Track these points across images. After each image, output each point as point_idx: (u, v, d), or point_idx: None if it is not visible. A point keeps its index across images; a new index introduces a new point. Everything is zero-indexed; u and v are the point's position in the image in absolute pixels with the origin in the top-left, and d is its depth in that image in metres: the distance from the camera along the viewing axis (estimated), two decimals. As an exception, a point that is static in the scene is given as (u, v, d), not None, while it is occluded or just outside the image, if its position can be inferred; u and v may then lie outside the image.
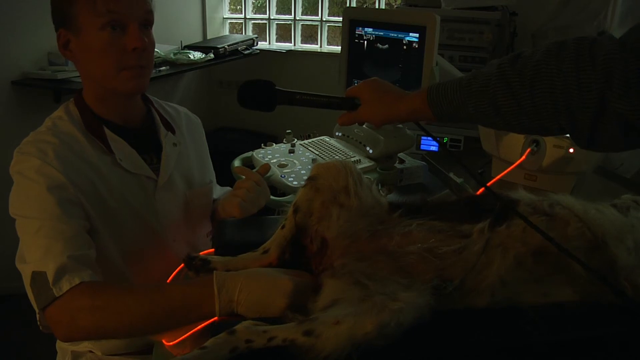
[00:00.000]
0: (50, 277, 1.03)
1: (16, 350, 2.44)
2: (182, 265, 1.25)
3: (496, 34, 2.58)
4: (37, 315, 1.12)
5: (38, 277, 1.04)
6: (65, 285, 1.02)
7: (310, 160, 1.89)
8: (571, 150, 1.45)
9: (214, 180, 1.59)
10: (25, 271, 1.08)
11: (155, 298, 1.00)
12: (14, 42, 2.84)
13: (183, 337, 1.03)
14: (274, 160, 1.89)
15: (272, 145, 2.04)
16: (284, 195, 1.80)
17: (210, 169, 1.58)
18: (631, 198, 1.04)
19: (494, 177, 1.48)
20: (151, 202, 1.32)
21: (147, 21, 1.25)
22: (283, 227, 1.06)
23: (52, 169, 1.15)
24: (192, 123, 1.55)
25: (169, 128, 1.41)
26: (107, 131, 1.27)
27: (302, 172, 1.80)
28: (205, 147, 1.58)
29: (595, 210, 0.95)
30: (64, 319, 1.03)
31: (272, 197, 1.75)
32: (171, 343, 1.08)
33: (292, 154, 1.95)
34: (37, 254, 1.07)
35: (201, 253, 1.25)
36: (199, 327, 0.97)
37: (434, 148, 2.65)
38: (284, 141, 2.06)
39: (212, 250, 1.21)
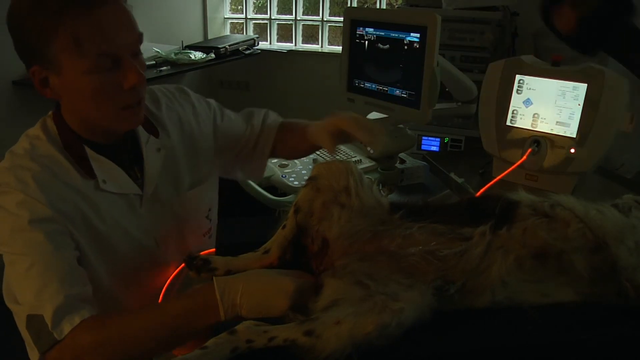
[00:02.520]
0: (48, 321, 0.96)
1: (16, 351, 2.43)
2: (181, 266, 1.26)
3: (497, 34, 2.58)
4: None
5: (35, 321, 0.97)
6: (66, 328, 0.96)
7: (311, 160, 1.89)
8: (572, 150, 1.45)
9: (215, 166, 1.45)
10: (19, 314, 1.00)
11: (158, 320, 0.97)
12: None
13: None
14: (275, 160, 1.89)
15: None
16: (284, 195, 1.80)
17: (206, 155, 1.40)
18: (632, 198, 1.04)
19: (494, 177, 1.47)
20: (140, 218, 1.23)
21: (138, 49, 1.11)
22: (284, 227, 1.06)
23: (35, 201, 1.04)
24: (174, 108, 1.36)
25: (152, 131, 1.26)
26: (89, 151, 1.14)
27: (302, 172, 1.81)
28: (197, 127, 1.38)
29: (596, 211, 0.95)
30: (67, 358, 0.97)
31: (272, 197, 1.76)
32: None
33: (293, 154, 1.95)
34: (30, 295, 0.99)
35: (202, 253, 1.26)
36: None
37: (434, 148, 2.65)
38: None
39: (213, 250, 1.21)
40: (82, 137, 1.14)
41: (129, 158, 1.22)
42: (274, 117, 1.53)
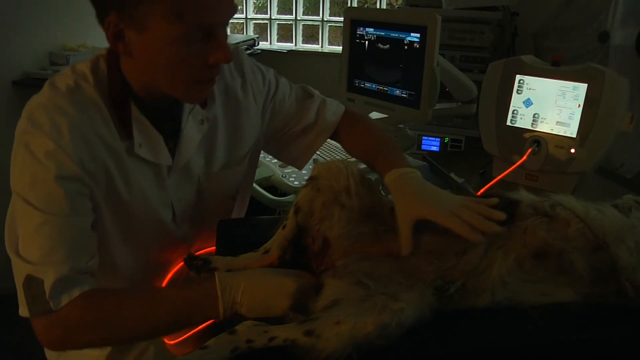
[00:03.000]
0: (47, 289, 0.93)
1: (16, 351, 2.44)
2: (181, 264, 1.26)
3: (497, 34, 2.58)
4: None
5: (33, 284, 0.94)
6: (64, 300, 0.93)
7: (311, 160, 1.89)
8: (572, 150, 1.45)
9: (258, 146, 1.35)
10: (20, 269, 0.97)
11: (157, 307, 0.96)
12: (15, 41, 2.83)
13: (185, 336, 1.03)
14: (275, 160, 1.89)
15: (273, 145, 2.03)
16: (285, 195, 1.80)
17: (249, 134, 1.29)
18: (633, 198, 1.04)
19: (495, 177, 1.47)
20: (163, 189, 1.16)
21: (228, 23, 1.04)
22: (284, 227, 1.06)
23: (65, 156, 0.97)
24: (223, 75, 1.23)
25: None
26: (134, 109, 1.06)
27: (303, 172, 1.80)
28: (244, 102, 1.26)
29: (596, 211, 0.95)
30: (57, 333, 0.95)
31: (273, 197, 1.76)
32: (173, 342, 1.08)
33: (293, 154, 1.94)
34: (35, 254, 0.95)
35: (202, 252, 1.26)
36: (201, 326, 0.96)
37: (434, 148, 2.65)
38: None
39: (214, 248, 1.21)
40: (132, 91, 1.07)
41: (170, 126, 1.14)
42: (333, 109, 1.39)
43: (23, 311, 0.96)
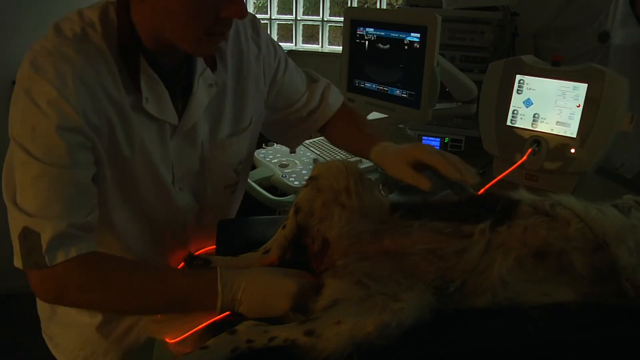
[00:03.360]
0: (44, 243, 0.91)
1: (16, 351, 2.44)
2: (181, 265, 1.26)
3: (497, 34, 2.58)
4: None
5: (30, 236, 0.92)
6: (59, 257, 0.92)
7: (312, 160, 1.89)
8: (572, 150, 1.45)
9: (260, 116, 1.32)
10: (16, 219, 0.94)
11: (157, 285, 0.96)
12: (14, 41, 2.83)
13: (185, 335, 1.03)
14: (275, 160, 1.89)
15: (274, 145, 2.04)
16: (285, 195, 1.80)
17: (255, 106, 1.28)
18: (633, 198, 1.04)
19: (495, 177, 1.47)
20: (166, 149, 1.13)
21: None
22: (284, 227, 1.06)
23: (68, 106, 0.94)
24: (240, 42, 1.23)
25: (210, 63, 1.15)
26: (143, 63, 1.04)
27: (303, 172, 1.81)
28: (255, 74, 1.26)
29: (596, 211, 0.95)
30: (52, 288, 0.95)
31: (272, 197, 1.76)
32: (173, 341, 1.08)
33: (293, 154, 1.95)
34: (33, 205, 0.93)
35: (202, 251, 1.26)
36: (202, 325, 0.96)
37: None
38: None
39: (214, 247, 1.21)
40: (142, 43, 1.03)
41: (177, 82, 1.12)
42: (335, 96, 1.42)
43: (17, 262, 0.95)
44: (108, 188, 1.07)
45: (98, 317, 1.25)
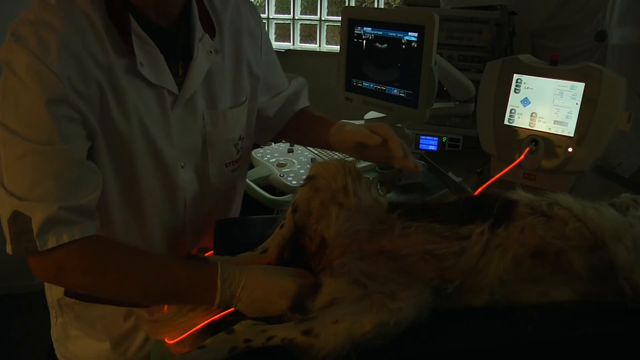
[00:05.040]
0: (35, 227, 0.88)
1: (15, 351, 2.44)
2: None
3: (495, 34, 2.58)
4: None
5: (20, 220, 0.89)
6: (50, 241, 0.89)
7: (309, 160, 1.89)
8: (570, 149, 1.45)
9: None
10: (5, 203, 0.90)
11: (157, 275, 0.96)
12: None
13: (184, 335, 1.03)
14: (273, 160, 1.89)
15: (271, 144, 2.04)
16: (283, 194, 1.80)
17: (249, 80, 1.26)
18: (630, 197, 1.04)
19: (492, 177, 1.47)
20: (166, 121, 1.08)
21: None
22: (282, 226, 1.06)
23: (52, 75, 0.89)
24: (241, 17, 1.22)
25: (209, 29, 1.12)
26: (133, 23, 0.98)
27: (301, 171, 1.81)
28: (250, 46, 1.24)
29: (593, 210, 0.95)
30: (51, 270, 0.93)
31: (270, 196, 1.76)
32: (172, 341, 1.08)
33: (291, 154, 1.95)
34: (21, 186, 0.89)
35: (195, 251, 1.26)
36: (201, 325, 0.96)
37: (432, 147, 2.65)
38: (283, 141, 2.06)
39: (211, 252, 1.21)
40: (131, 3, 0.99)
41: (174, 49, 1.07)
42: (303, 100, 1.44)
43: (8, 248, 0.92)
44: (103, 167, 1.02)
45: (107, 343, 1.25)
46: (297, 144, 1.41)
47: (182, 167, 1.16)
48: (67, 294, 1.19)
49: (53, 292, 1.23)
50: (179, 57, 1.08)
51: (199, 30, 1.10)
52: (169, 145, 1.11)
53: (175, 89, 1.08)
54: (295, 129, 1.41)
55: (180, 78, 1.09)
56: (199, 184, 1.22)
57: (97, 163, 1.00)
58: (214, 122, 1.18)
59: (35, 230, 0.88)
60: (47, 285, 1.24)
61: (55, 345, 1.32)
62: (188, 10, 1.09)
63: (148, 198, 1.13)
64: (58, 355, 1.32)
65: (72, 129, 0.93)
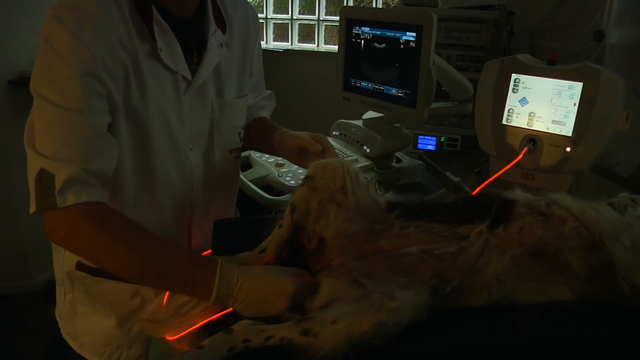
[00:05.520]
0: (57, 184, 0.97)
1: (15, 349, 2.44)
2: None
3: (493, 33, 2.58)
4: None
5: (45, 177, 0.98)
6: (70, 199, 0.97)
7: (308, 160, 1.89)
8: (568, 149, 1.45)
9: (264, 96, 1.50)
10: (34, 162, 1.00)
11: (158, 257, 0.99)
12: (10, 41, 2.83)
13: (184, 332, 1.03)
14: (271, 160, 1.89)
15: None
16: (281, 194, 1.80)
17: (260, 82, 1.47)
18: (628, 197, 1.04)
19: (491, 176, 1.48)
20: (179, 104, 1.20)
21: None
22: (280, 226, 1.06)
23: (86, 51, 1.00)
24: (248, 18, 1.36)
25: (221, 24, 1.25)
26: (155, 13, 1.11)
27: (299, 171, 1.80)
28: (256, 51, 1.41)
29: (592, 210, 0.95)
30: (62, 229, 1.00)
31: (269, 196, 1.76)
32: (172, 338, 1.08)
33: (289, 154, 1.94)
34: (50, 148, 0.99)
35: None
36: (202, 323, 0.97)
37: (431, 147, 2.65)
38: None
39: (209, 252, 1.21)
40: None
41: (189, 40, 1.19)
42: (267, 111, 1.55)
43: (32, 207, 1.00)
44: (122, 140, 1.11)
45: (113, 319, 1.28)
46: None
47: (191, 149, 1.25)
48: (79, 267, 1.23)
49: (64, 266, 1.27)
50: (194, 47, 1.20)
51: (212, 25, 1.22)
52: (181, 127, 1.21)
53: (189, 76, 1.19)
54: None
55: (194, 66, 1.20)
56: (206, 167, 1.30)
57: (115, 137, 1.09)
58: (222, 110, 1.29)
59: (57, 187, 0.97)
60: (57, 259, 1.29)
61: (60, 324, 1.35)
62: (204, 6, 1.21)
63: (160, 175, 1.20)
64: (63, 334, 1.35)
65: (99, 102, 1.04)
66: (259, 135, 1.45)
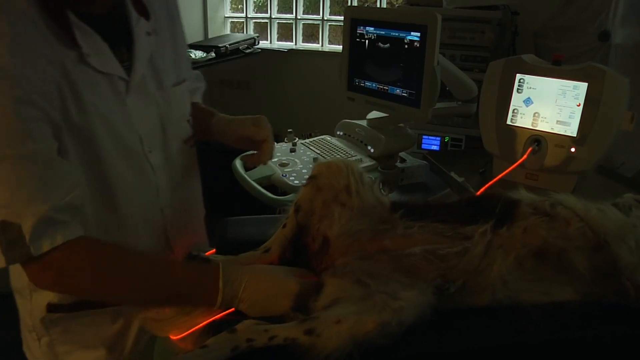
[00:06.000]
0: (26, 233, 0.85)
1: (14, 349, 2.44)
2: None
3: (497, 34, 2.58)
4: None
5: (10, 229, 0.86)
6: (45, 245, 0.87)
7: (312, 159, 1.89)
8: (572, 149, 1.45)
9: (192, 77, 1.35)
10: None
11: (159, 277, 0.96)
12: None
13: (188, 332, 1.03)
14: (275, 159, 1.89)
15: (274, 144, 2.03)
16: (285, 194, 1.80)
17: (186, 63, 1.30)
18: (633, 197, 1.04)
19: (495, 177, 1.47)
20: (123, 108, 1.07)
21: None
22: (284, 226, 1.06)
23: (10, 77, 0.87)
24: (168, 1, 1.23)
25: (142, 12, 1.12)
26: (71, 16, 0.97)
27: (303, 171, 1.80)
28: (181, 30, 1.27)
29: (596, 210, 0.95)
30: (49, 276, 0.91)
31: (273, 196, 1.76)
32: (176, 337, 1.08)
33: (293, 153, 1.95)
34: (4, 193, 0.86)
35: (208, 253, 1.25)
36: (206, 322, 0.96)
37: (435, 147, 2.65)
38: (285, 140, 2.06)
39: (214, 250, 1.21)
40: None
41: (114, 35, 1.06)
42: (198, 96, 1.44)
43: (2, 261, 0.88)
44: (72, 162, 1.00)
45: (101, 349, 1.20)
46: None
47: (150, 151, 1.14)
48: (51, 309, 1.13)
49: (34, 312, 1.16)
50: (122, 43, 1.08)
51: (133, 14, 1.10)
52: (131, 132, 1.10)
53: (124, 75, 1.07)
54: None
55: (127, 64, 1.08)
56: (167, 165, 1.20)
57: (64, 153, 0.97)
58: (167, 101, 1.18)
59: (27, 236, 0.86)
60: (23, 306, 1.19)
61: None
62: None
63: (120, 188, 1.09)
64: None
65: (40, 128, 0.91)
66: (194, 121, 1.33)
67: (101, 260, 0.93)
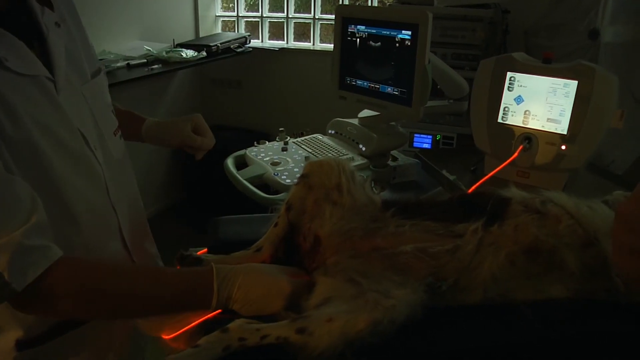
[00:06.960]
0: (3, 271, 0.79)
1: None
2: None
3: (488, 32, 2.58)
4: None
5: None
6: (30, 276, 0.81)
7: (303, 158, 1.89)
8: (563, 147, 1.45)
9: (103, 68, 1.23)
10: None
11: (153, 285, 0.93)
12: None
13: (180, 331, 1.02)
14: (267, 158, 1.89)
15: (265, 143, 2.03)
16: (277, 193, 1.79)
17: (93, 50, 1.20)
18: (623, 194, 1.04)
19: (486, 174, 1.48)
20: (58, 109, 0.99)
21: None
22: (276, 225, 1.06)
23: None
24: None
25: (45, 1, 1.02)
26: None
27: (294, 170, 1.80)
28: (78, 15, 1.17)
29: (587, 208, 0.95)
30: (39, 304, 0.87)
31: (264, 195, 1.75)
32: (168, 337, 1.08)
33: (285, 152, 1.95)
34: None
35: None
36: (198, 321, 0.96)
37: (426, 145, 2.65)
38: (277, 139, 2.06)
39: (205, 250, 1.21)
40: None
41: (23, 31, 0.96)
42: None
43: None
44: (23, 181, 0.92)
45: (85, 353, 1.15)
46: None
47: (95, 149, 1.09)
48: (20, 347, 1.04)
49: (4, 357, 1.06)
50: (34, 38, 0.99)
51: (35, 5, 1.00)
52: (72, 134, 1.03)
53: (48, 74, 0.99)
54: None
55: (44, 58, 0.99)
56: (107, 161, 1.14)
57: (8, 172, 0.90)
58: (93, 94, 1.11)
59: (6, 274, 0.79)
60: None
61: None
62: None
63: (73, 195, 1.03)
64: None
65: None
66: (123, 129, 1.25)
67: (88, 279, 0.90)
